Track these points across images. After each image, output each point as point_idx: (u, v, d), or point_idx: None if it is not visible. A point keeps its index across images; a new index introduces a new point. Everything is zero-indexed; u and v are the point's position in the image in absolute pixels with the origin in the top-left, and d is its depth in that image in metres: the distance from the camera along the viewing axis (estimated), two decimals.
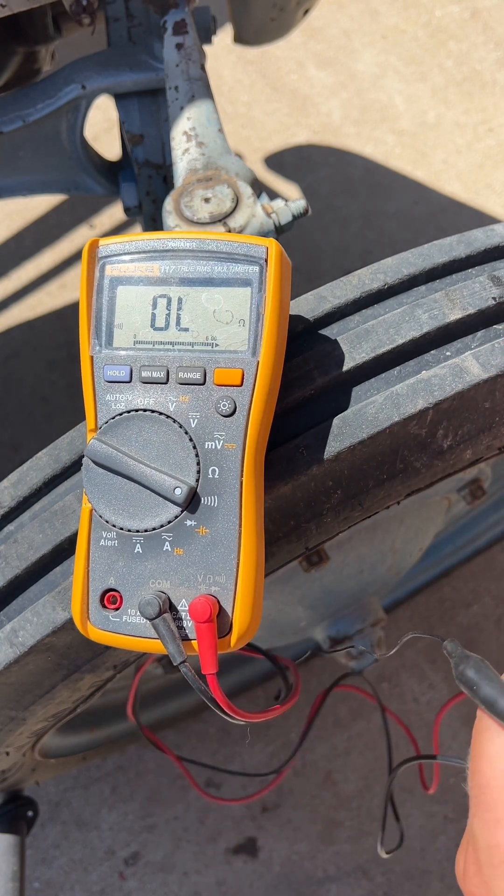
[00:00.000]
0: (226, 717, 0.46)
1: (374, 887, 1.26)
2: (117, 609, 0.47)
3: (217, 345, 0.46)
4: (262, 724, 1.35)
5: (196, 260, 0.46)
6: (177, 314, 0.46)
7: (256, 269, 0.46)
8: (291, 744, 1.33)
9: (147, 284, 0.47)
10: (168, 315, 0.47)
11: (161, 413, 0.46)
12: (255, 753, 1.34)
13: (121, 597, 0.47)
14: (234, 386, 0.45)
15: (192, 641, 0.45)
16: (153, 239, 0.47)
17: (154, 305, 0.47)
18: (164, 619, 0.45)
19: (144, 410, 0.46)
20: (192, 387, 0.46)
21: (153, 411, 0.46)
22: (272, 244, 0.46)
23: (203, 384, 0.46)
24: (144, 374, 0.46)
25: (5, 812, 0.93)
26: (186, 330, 0.46)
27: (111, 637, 0.47)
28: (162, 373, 0.46)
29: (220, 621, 0.45)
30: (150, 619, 0.45)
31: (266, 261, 0.46)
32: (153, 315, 0.47)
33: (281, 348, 0.47)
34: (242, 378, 0.45)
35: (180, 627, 0.46)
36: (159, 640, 0.45)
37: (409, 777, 1.32)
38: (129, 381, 0.47)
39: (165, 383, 0.46)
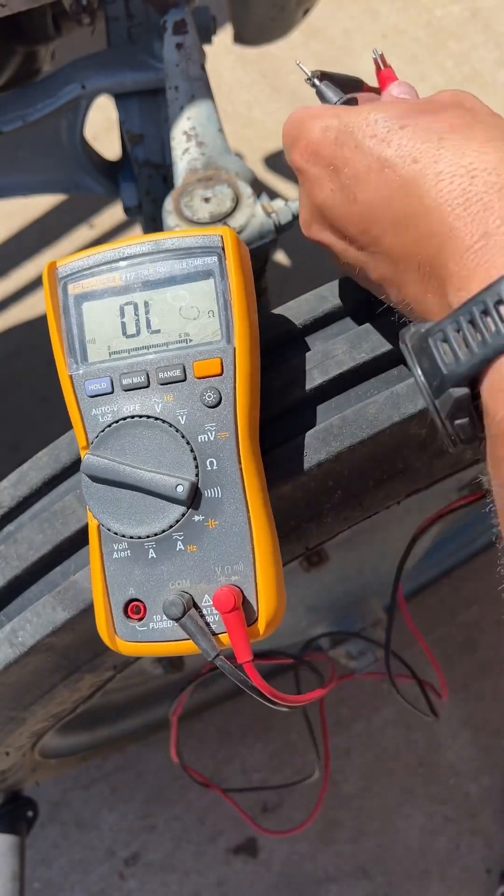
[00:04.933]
0: (268, 704, 0.46)
1: (374, 887, 1.26)
2: (142, 618, 0.46)
3: (191, 340, 0.46)
4: (262, 725, 1.35)
5: (154, 262, 0.46)
6: (146, 318, 0.46)
7: (215, 258, 0.46)
8: (292, 744, 1.33)
9: (111, 295, 0.47)
10: (137, 321, 0.47)
11: (149, 416, 0.46)
12: (254, 753, 1.34)
13: (144, 605, 0.46)
14: (215, 376, 0.45)
15: (222, 635, 0.45)
16: (109, 250, 0.47)
17: (122, 314, 0.47)
18: (191, 616, 0.44)
19: (132, 417, 0.46)
20: (175, 385, 0.46)
21: (141, 416, 0.46)
22: (226, 231, 0.46)
23: (184, 380, 0.46)
24: (125, 381, 0.46)
25: (5, 812, 0.93)
26: (158, 331, 0.46)
27: (142, 647, 0.47)
28: (142, 377, 0.46)
29: (246, 610, 0.45)
30: (177, 620, 0.44)
31: (223, 248, 0.46)
32: (123, 324, 0.47)
33: (255, 330, 0.47)
34: (222, 366, 0.45)
35: (207, 624, 0.45)
36: (189, 640, 0.45)
37: (409, 777, 1.32)
38: (112, 392, 0.46)
39: (147, 387, 0.46)
